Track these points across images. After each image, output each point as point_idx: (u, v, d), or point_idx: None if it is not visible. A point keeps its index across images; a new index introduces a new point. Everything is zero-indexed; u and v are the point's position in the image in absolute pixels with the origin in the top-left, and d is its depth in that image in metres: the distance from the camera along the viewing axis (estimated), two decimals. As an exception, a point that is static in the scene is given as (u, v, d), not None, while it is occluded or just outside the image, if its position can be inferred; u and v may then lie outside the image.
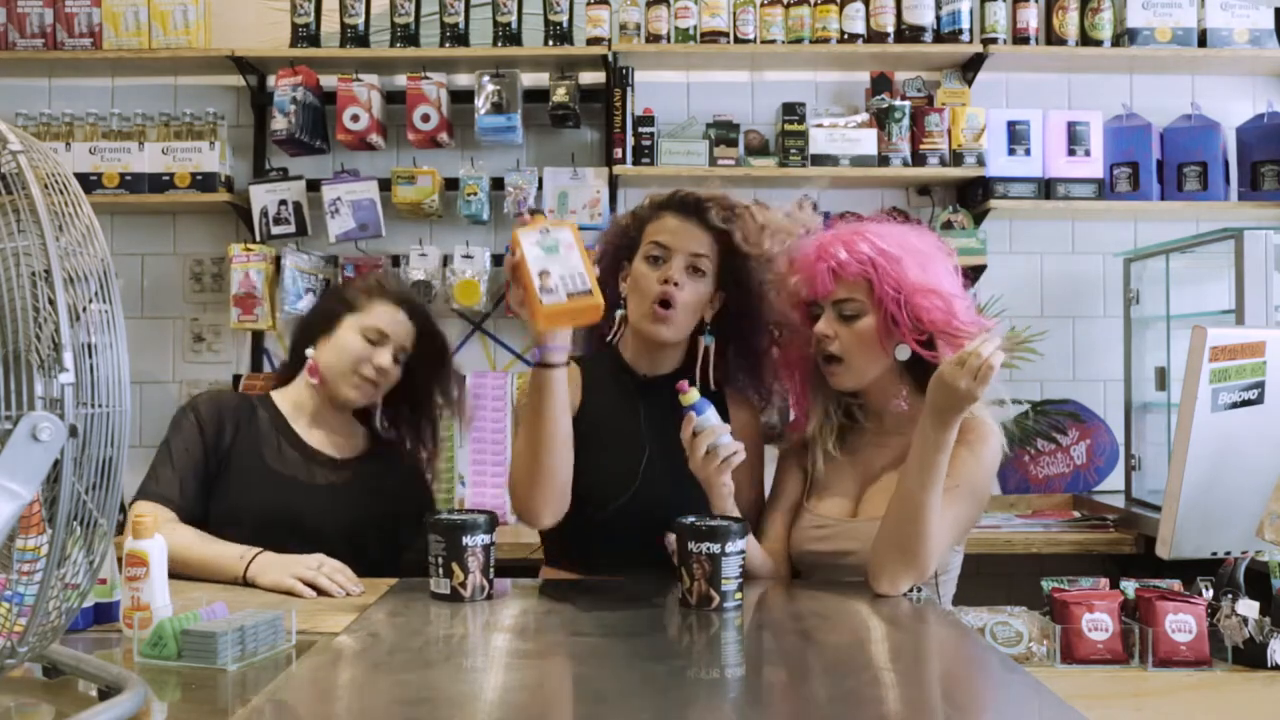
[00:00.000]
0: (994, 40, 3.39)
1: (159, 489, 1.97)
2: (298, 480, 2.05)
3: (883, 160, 3.40)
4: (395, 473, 2.17)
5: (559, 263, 1.60)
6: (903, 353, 1.80)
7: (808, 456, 1.93)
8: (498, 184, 3.47)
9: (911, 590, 1.70)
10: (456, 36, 3.42)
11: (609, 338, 1.98)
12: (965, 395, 1.61)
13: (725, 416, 1.86)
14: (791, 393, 2.00)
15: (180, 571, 1.78)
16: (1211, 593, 1.77)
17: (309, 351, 2.11)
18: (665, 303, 1.83)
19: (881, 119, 3.42)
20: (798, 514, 1.89)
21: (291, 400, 2.14)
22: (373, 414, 2.18)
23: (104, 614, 1.55)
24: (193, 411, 2.07)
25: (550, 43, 3.42)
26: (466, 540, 1.63)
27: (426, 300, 3.36)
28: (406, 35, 3.42)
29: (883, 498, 1.77)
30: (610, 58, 3.40)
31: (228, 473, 2.02)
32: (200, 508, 1.99)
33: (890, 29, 3.38)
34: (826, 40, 3.39)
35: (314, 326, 2.15)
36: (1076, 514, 3.26)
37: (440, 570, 1.65)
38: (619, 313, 1.95)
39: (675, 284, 1.83)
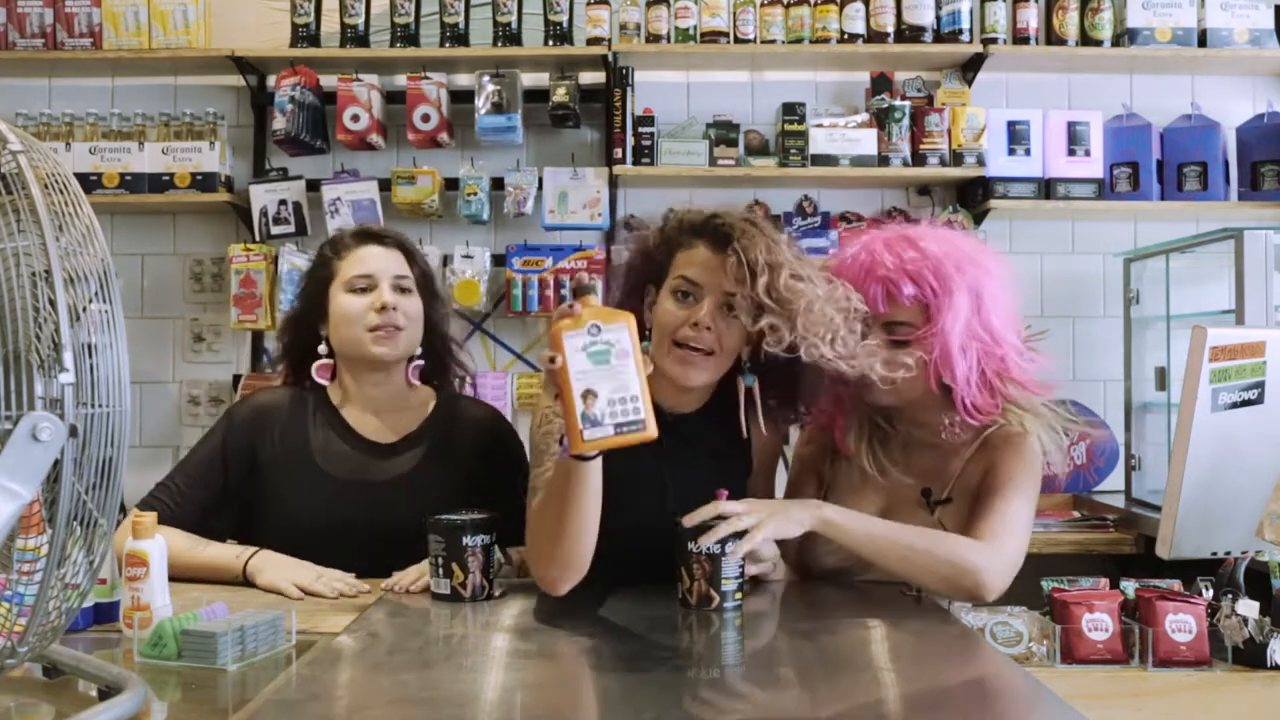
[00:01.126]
0: (994, 40, 3.40)
1: (159, 499, 1.90)
2: (356, 482, 1.91)
3: (883, 160, 3.40)
4: (463, 429, 1.99)
5: (609, 379, 1.35)
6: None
7: (825, 465, 1.89)
8: (498, 184, 3.48)
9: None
10: (456, 36, 3.42)
11: None
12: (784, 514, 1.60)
13: (750, 461, 1.80)
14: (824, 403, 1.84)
15: (178, 575, 1.77)
16: (1211, 593, 1.77)
17: (321, 348, 1.97)
18: (693, 347, 1.65)
19: (881, 119, 3.42)
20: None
21: (339, 389, 1.99)
22: (410, 369, 2.00)
23: (104, 614, 1.55)
24: (227, 419, 1.97)
25: (550, 43, 3.42)
26: (466, 540, 1.63)
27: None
28: (406, 35, 3.42)
29: (905, 516, 1.74)
30: (610, 58, 3.40)
31: (276, 481, 1.92)
32: (209, 524, 1.90)
33: (890, 29, 3.38)
34: (826, 40, 3.39)
35: (311, 314, 1.98)
36: (1076, 514, 3.26)
37: (440, 570, 1.65)
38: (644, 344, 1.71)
39: (707, 328, 1.63)
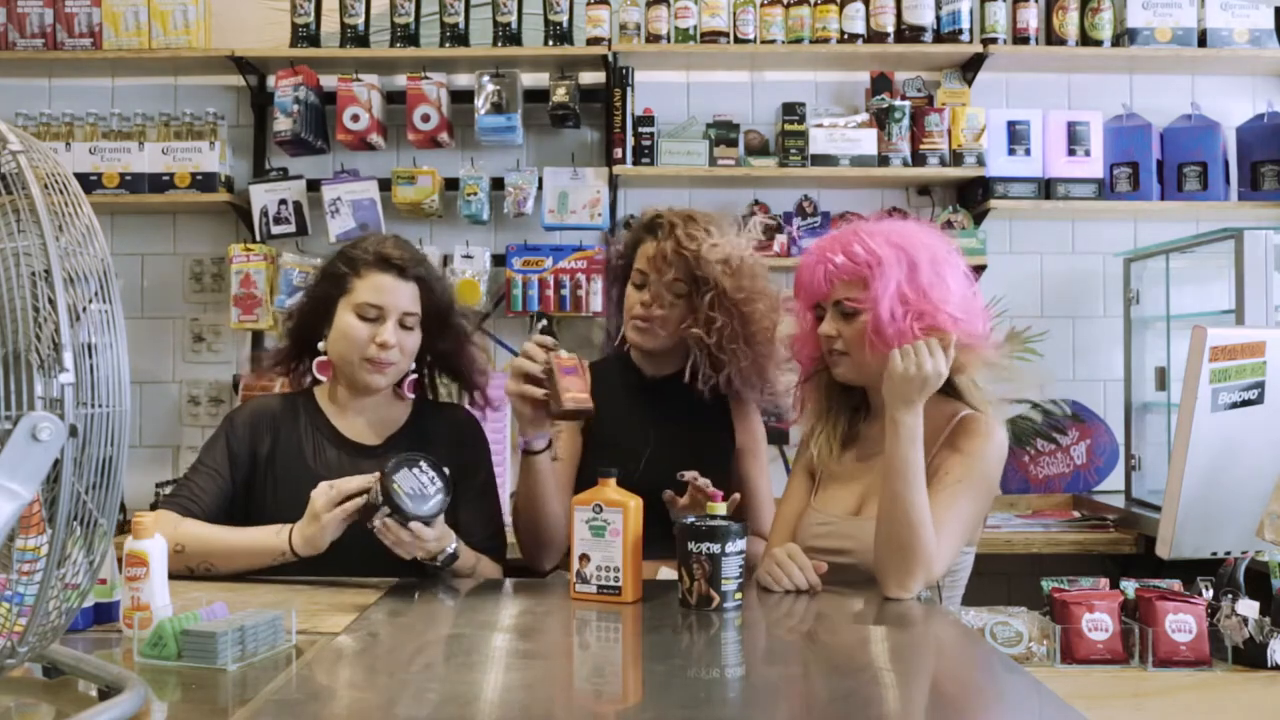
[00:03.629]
0: (994, 40, 3.40)
1: (179, 496, 1.91)
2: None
3: (883, 160, 3.40)
4: (439, 429, 2.04)
5: (602, 549, 1.64)
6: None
7: (815, 464, 1.95)
8: (498, 184, 3.48)
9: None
10: (456, 36, 3.42)
11: (617, 343, 2.23)
12: (920, 378, 1.67)
13: (729, 423, 2.20)
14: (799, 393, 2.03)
15: (221, 564, 1.79)
16: (1211, 593, 1.77)
17: (321, 345, 1.99)
18: (645, 319, 2.09)
19: (881, 119, 3.42)
20: (804, 512, 1.90)
21: (327, 392, 2.03)
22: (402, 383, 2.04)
23: (104, 614, 1.55)
24: (227, 423, 2.00)
25: (550, 43, 3.42)
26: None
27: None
28: (406, 35, 3.42)
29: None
30: (610, 58, 3.40)
31: (273, 484, 1.94)
32: (226, 521, 1.91)
33: (890, 29, 3.38)
34: (826, 40, 3.39)
35: (315, 316, 2.00)
36: (1076, 514, 3.26)
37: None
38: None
39: (653, 304, 2.08)
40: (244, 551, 1.81)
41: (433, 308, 2.01)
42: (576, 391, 1.84)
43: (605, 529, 1.63)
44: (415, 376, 2.04)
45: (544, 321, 1.91)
